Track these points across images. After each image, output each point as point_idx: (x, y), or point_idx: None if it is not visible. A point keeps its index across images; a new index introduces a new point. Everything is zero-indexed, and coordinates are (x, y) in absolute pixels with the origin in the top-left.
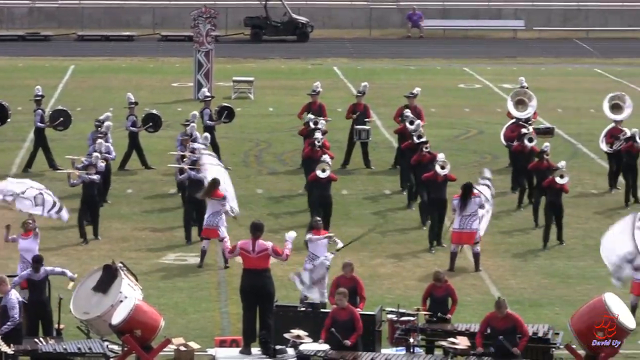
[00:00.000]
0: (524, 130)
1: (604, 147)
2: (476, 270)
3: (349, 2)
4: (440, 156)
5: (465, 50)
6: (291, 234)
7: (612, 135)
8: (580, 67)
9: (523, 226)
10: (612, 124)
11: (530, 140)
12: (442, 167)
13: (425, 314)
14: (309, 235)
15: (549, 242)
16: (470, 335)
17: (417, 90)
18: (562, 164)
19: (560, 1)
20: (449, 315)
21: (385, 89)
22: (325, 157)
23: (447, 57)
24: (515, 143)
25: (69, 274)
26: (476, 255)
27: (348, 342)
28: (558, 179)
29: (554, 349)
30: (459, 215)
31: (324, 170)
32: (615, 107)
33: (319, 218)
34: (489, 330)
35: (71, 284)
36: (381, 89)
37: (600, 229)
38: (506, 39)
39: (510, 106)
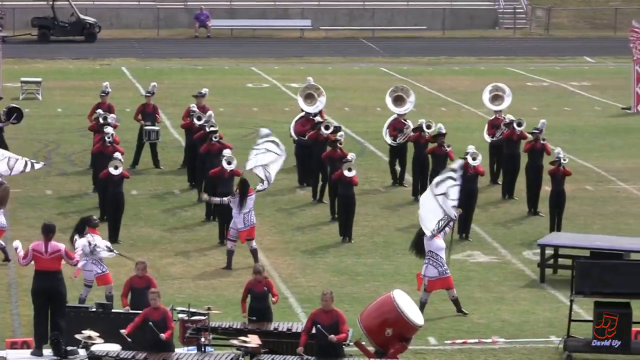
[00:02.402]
0: (318, 119)
1: (388, 139)
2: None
3: (137, 3)
4: (227, 151)
5: (253, 50)
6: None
7: (396, 128)
8: (366, 66)
9: (313, 223)
10: (394, 116)
11: (327, 128)
12: (229, 163)
13: (244, 315)
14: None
15: (336, 239)
16: (287, 335)
17: (205, 90)
18: (351, 155)
19: (346, 1)
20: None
21: (173, 89)
22: (117, 155)
23: (234, 56)
24: (310, 132)
25: None
26: (253, 252)
27: (163, 336)
28: (346, 172)
29: (343, 345)
30: (239, 213)
31: (116, 168)
32: (399, 99)
33: (95, 217)
34: (314, 330)
35: None
36: (170, 89)
37: (388, 225)
38: (293, 38)
39: (299, 100)
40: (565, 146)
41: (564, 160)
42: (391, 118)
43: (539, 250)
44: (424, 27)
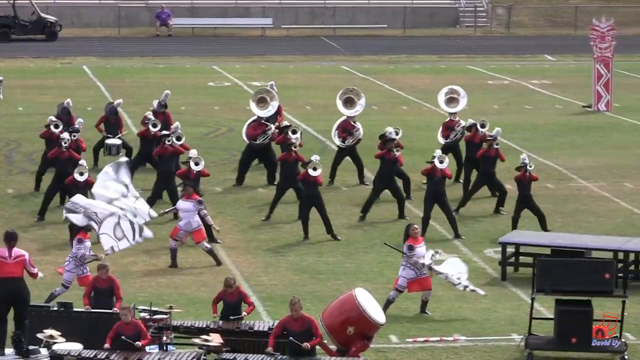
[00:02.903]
0: (285, 123)
1: (337, 141)
2: (217, 265)
3: (98, 1)
4: (193, 152)
5: (214, 49)
6: None
7: (345, 130)
8: (327, 64)
9: (274, 221)
10: (344, 118)
11: (294, 132)
12: (196, 164)
13: (215, 315)
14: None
15: (298, 237)
16: (249, 333)
17: (164, 99)
18: (315, 157)
19: None
20: (244, 313)
21: (135, 88)
22: (82, 161)
23: (196, 55)
24: (278, 136)
25: None
26: (209, 252)
27: (139, 344)
28: (311, 171)
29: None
30: (194, 214)
31: (82, 174)
32: (349, 101)
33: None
34: (285, 333)
35: None
36: (131, 88)
37: (349, 224)
38: (254, 37)
39: (252, 105)
40: (525, 144)
41: (530, 166)
42: (340, 119)
43: (500, 248)
44: (384, 26)
